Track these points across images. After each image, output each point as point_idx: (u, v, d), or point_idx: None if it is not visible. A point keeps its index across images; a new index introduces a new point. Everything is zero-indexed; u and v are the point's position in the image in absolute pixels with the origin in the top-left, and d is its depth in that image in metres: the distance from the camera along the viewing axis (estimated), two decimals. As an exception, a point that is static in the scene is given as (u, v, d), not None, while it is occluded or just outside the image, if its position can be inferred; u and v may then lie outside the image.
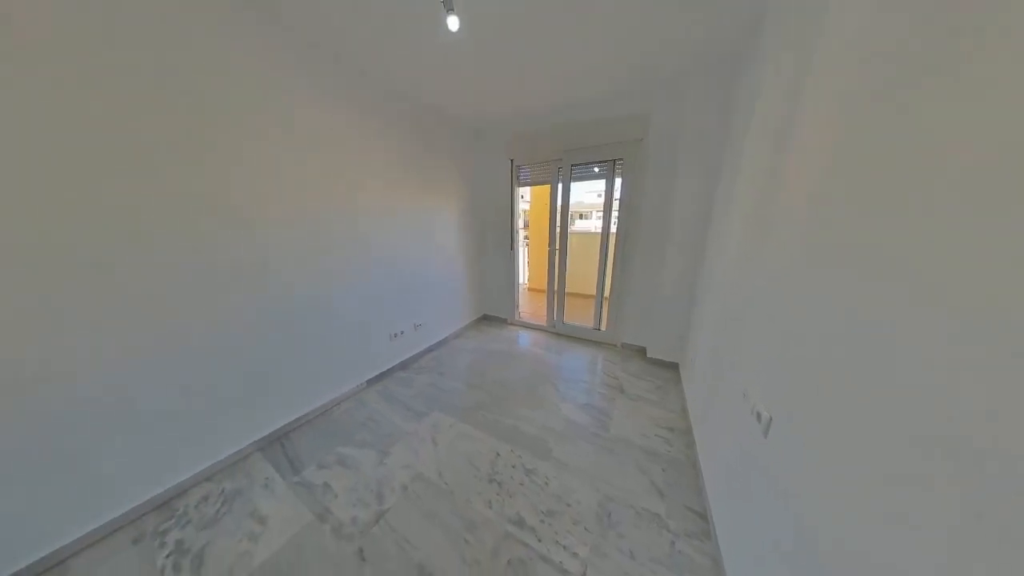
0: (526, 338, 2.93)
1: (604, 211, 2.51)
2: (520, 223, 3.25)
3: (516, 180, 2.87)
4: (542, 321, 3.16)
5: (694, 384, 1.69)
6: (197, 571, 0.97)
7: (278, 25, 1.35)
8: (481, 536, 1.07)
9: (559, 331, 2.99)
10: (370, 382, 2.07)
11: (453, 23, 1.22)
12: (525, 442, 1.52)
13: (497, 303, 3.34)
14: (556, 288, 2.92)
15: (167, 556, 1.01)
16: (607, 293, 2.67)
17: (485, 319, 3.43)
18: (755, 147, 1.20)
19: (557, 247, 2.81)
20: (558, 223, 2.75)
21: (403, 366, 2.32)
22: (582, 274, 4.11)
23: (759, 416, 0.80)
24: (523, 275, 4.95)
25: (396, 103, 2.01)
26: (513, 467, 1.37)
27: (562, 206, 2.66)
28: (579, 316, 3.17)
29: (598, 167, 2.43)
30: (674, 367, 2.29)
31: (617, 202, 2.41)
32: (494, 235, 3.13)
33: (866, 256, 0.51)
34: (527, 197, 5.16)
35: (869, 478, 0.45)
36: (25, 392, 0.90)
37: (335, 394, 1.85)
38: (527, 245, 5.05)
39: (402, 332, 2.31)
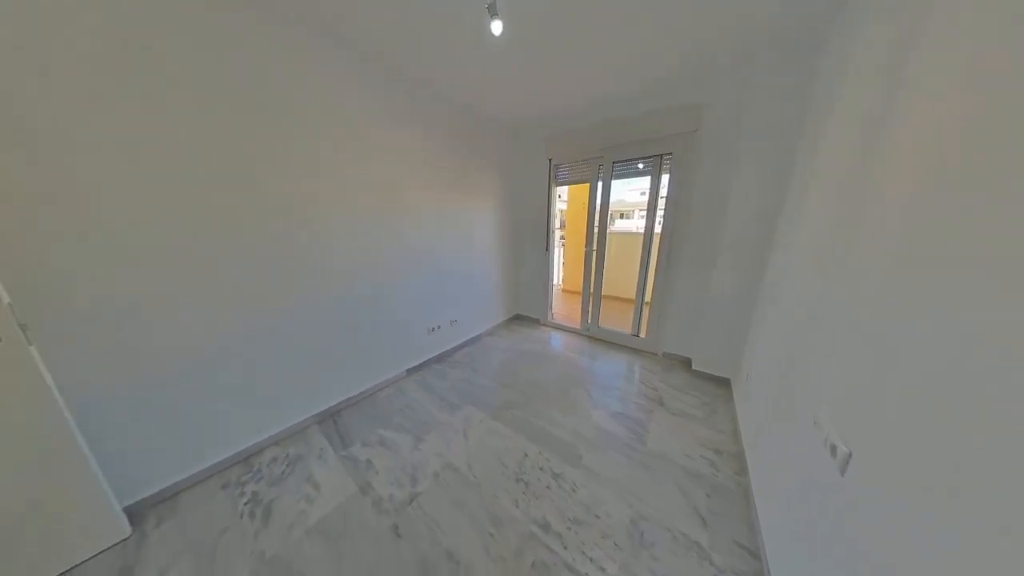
0: (558, 340, 2.88)
1: (648, 210, 2.36)
2: (556, 223, 3.20)
3: (553, 180, 2.84)
4: (575, 324, 3.07)
5: (749, 404, 1.50)
6: (266, 520, 1.13)
7: (340, 45, 1.51)
8: (506, 533, 1.08)
9: (593, 335, 2.89)
10: (409, 371, 2.21)
11: (497, 27, 1.25)
12: (554, 445, 1.50)
13: (530, 303, 3.34)
14: (592, 290, 2.82)
15: (245, 503, 1.20)
16: (648, 298, 2.50)
17: (518, 319, 3.45)
18: (838, 137, 1.02)
19: (594, 247, 2.71)
20: (596, 223, 2.65)
21: (439, 359, 2.44)
22: (621, 276, 3.92)
23: (834, 450, 0.68)
24: (557, 276, 4.88)
25: (441, 110, 2.12)
26: (540, 469, 1.36)
27: (601, 205, 2.56)
28: (616, 321, 3.02)
29: (643, 163, 2.29)
30: (724, 383, 2.06)
31: (663, 200, 2.24)
32: (529, 235, 3.13)
33: (1001, 263, 0.40)
34: (564, 196, 5.07)
35: (982, 552, 0.36)
36: (153, 358, 1.14)
37: (379, 380, 2.01)
38: (562, 245, 4.96)
39: (439, 327, 2.43)
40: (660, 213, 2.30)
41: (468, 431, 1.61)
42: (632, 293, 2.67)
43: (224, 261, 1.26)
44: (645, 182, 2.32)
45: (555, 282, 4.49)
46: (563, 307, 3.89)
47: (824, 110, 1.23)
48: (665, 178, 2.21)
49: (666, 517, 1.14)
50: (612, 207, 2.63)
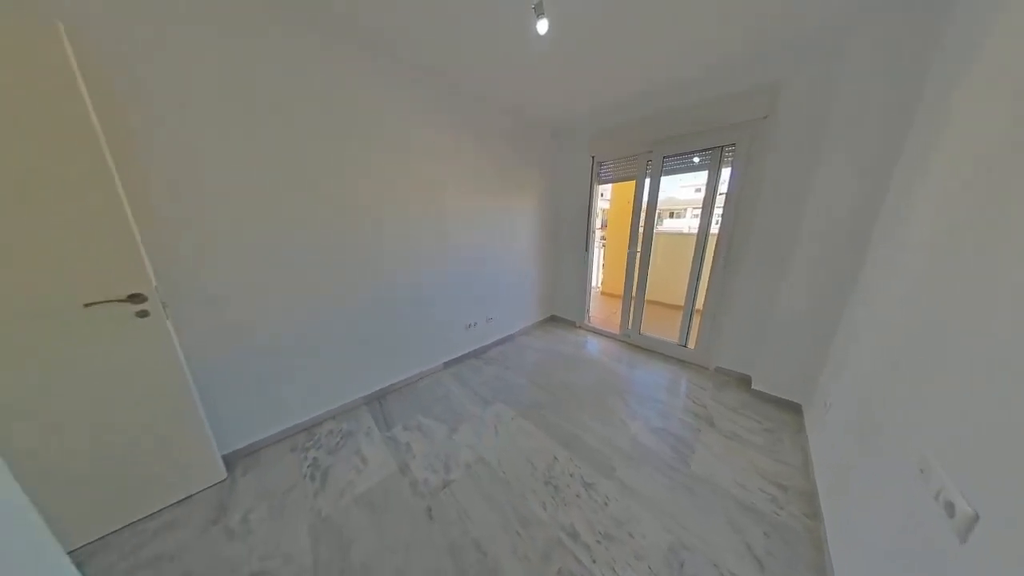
0: (595, 345, 2.77)
1: (703, 208, 2.14)
2: (597, 223, 3.08)
3: (596, 178, 2.73)
4: (614, 329, 2.92)
5: (827, 436, 1.27)
6: (323, 483, 1.29)
7: (391, 59, 1.64)
8: (533, 534, 1.08)
9: (633, 341, 2.71)
10: (446, 364, 2.33)
11: (543, 26, 1.24)
12: (586, 453, 1.44)
13: (566, 305, 3.26)
14: (634, 294, 2.65)
15: (307, 466, 1.38)
16: (699, 305, 2.27)
17: (553, 320, 3.40)
18: (974, 117, 0.80)
19: (639, 249, 2.55)
20: (642, 222, 2.48)
21: (475, 354, 2.52)
22: (667, 281, 3.62)
23: (951, 508, 0.54)
24: (596, 278, 4.69)
25: (482, 112, 2.18)
26: (571, 475, 1.32)
27: (648, 203, 2.39)
28: (660, 328, 2.80)
29: (699, 156, 2.08)
30: (792, 408, 1.77)
31: (722, 197, 2.01)
32: (568, 235, 3.06)
33: None
34: (607, 195, 4.85)
35: None
36: (243, 336, 1.37)
37: (419, 370, 2.15)
38: (603, 246, 4.76)
39: (476, 323, 2.50)
40: (718, 211, 2.06)
41: (499, 427, 1.63)
42: (680, 299, 2.45)
43: (295, 258, 1.47)
44: (701, 178, 2.10)
45: (593, 284, 4.33)
46: (601, 311, 3.73)
47: (948, 85, 0.98)
48: (726, 172, 1.98)
49: (713, 551, 1.02)
50: (660, 206, 2.44)
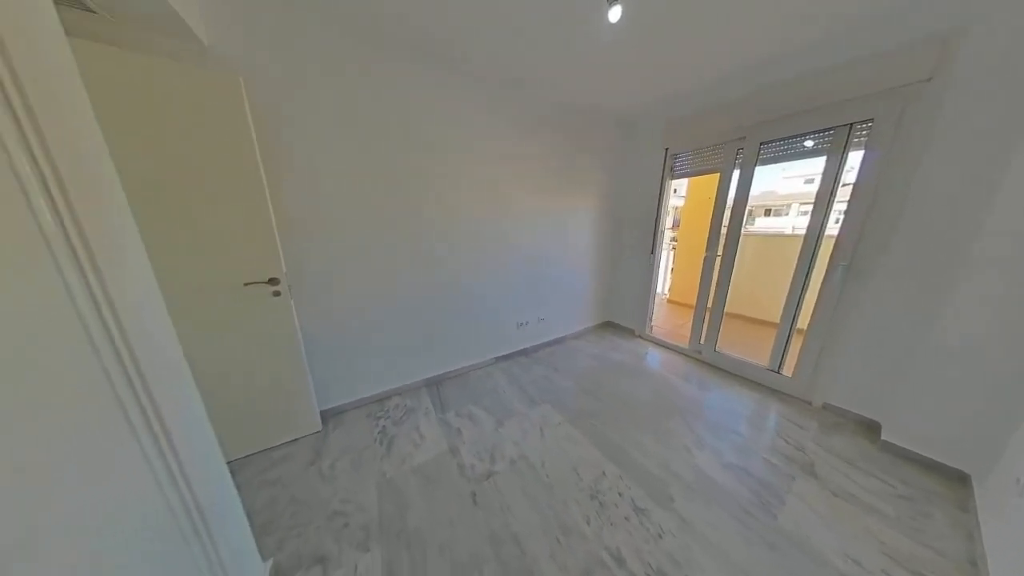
0: (656, 357, 2.50)
1: (817, 203, 1.72)
2: (667, 222, 2.77)
3: (669, 172, 2.45)
4: (682, 342, 2.59)
5: (1014, 526, 0.88)
6: (388, 449, 1.49)
7: (456, 71, 1.76)
8: (574, 545, 1.03)
9: (706, 359, 2.35)
10: (497, 359, 2.41)
11: (615, 14, 1.17)
12: (638, 474, 1.32)
13: (625, 311, 3.03)
14: (711, 304, 2.30)
15: (378, 432, 1.61)
16: (803, 324, 1.84)
17: (609, 326, 3.20)
18: None
19: (719, 252, 2.19)
20: (726, 221, 2.13)
21: (524, 353, 2.55)
22: (757, 291, 3.05)
23: None
24: (663, 284, 4.23)
25: (546, 111, 2.17)
26: (619, 495, 1.22)
27: (736, 199, 2.04)
28: (743, 347, 2.37)
29: (814, 139, 1.67)
30: (952, 476, 1.29)
31: (848, 188, 1.58)
32: (632, 235, 2.83)
33: None
34: (681, 190, 4.31)
35: None
36: (338, 317, 1.67)
37: (471, 362, 2.28)
38: (673, 248, 4.25)
39: (527, 323, 2.53)
40: (840, 207, 1.63)
41: (545, 429, 1.62)
42: (773, 315, 2.02)
43: (380, 254, 1.71)
44: (816, 165, 1.69)
45: (659, 291, 3.92)
46: (667, 320, 3.35)
47: None
48: (854, 157, 1.55)
49: (803, 630, 0.81)
50: (752, 201, 2.05)
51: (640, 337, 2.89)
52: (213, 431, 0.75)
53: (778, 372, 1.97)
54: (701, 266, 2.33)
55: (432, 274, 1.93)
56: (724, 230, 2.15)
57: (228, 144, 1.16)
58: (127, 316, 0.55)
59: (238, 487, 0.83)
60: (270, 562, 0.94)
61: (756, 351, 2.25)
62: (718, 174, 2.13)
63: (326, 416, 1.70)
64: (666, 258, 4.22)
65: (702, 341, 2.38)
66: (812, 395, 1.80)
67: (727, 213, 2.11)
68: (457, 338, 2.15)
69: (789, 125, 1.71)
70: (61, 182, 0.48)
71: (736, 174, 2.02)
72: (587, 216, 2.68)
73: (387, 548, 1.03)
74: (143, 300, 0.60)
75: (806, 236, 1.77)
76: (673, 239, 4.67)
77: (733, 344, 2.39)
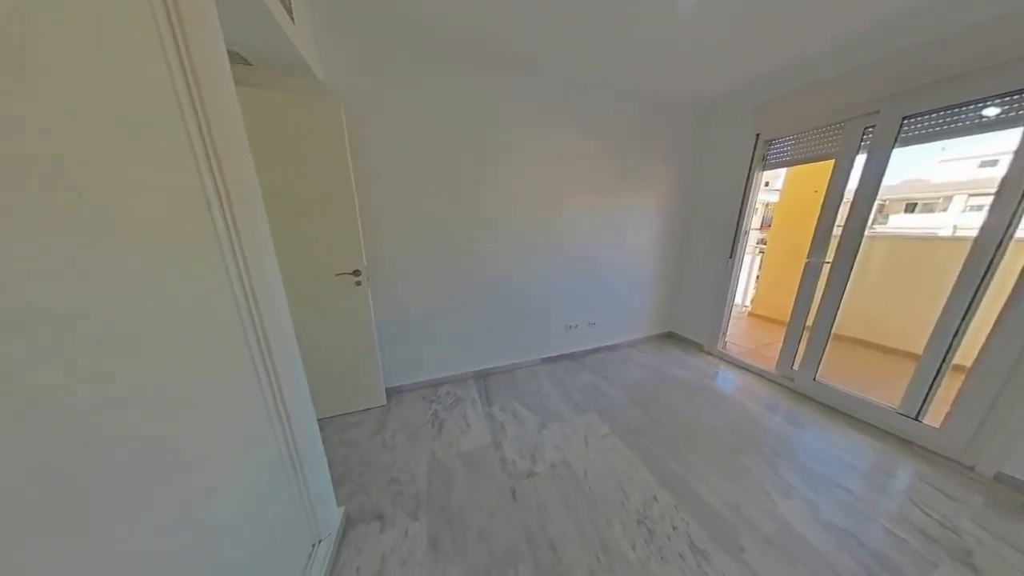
0: (730, 379, 2.14)
1: (1002, 193, 1.23)
2: (754, 221, 2.34)
3: (760, 162, 2.07)
4: (767, 364, 2.16)
5: None
6: (439, 431, 1.61)
7: (525, 73, 1.77)
8: (616, 568, 0.96)
9: (800, 388, 1.92)
10: (543, 360, 2.39)
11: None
12: (699, 509, 1.15)
13: (692, 322, 2.67)
14: (813, 323, 1.87)
15: (431, 415, 1.76)
16: (964, 358, 1.35)
17: (671, 337, 2.87)
18: None
19: (828, 259, 1.77)
20: (841, 219, 1.70)
21: (572, 357, 2.47)
22: (884, 308, 2.37)
23: None
24: (744, 294, 3.60)
25: (602, 101, 2.05)
26: (674, 528, 1.09)
27: (860, 191, 1.61)
28: (858, 379, 1.87)
29: (1000, 105, 1.21)
30: None
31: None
32: (706, 237, 2.48)
33: None
34: (776, 183, 3.60)
35: None
36: (403, 307, 1.87)
37: (518, 360, 2.30)
38: (761, 252, 3.59)
39: (576, 326, 2.44)
40: (1045, 198, 1.14)
41: (589, 438, 1.54)
42: (912, 342, 1.54)
43: (440, 252, 1.86)
44: (1001, 142, 1.21)
45: (738, 301, 3.37)
46: (747, 337, 2.85)
47: None
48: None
49: None
50: (886, 193, 1.59)
51: (709, 353, 2.51)
52: (308, 392, 0.92)
53: (917, 419, 1.49)
54: (801, 274, 1.91)
55: (485, 271, 2.02)
56: (839, 230, 1.71)
57: (329, 158, 1.40)
58: (262, 297, 0.72)
59: (322, 442, 1.00)
60: (343, 509, 1.11)
61: (879, 387, 1.75)
62: (832, 161, 1.71)
63: (390, 393, 1.92)
64: (750, 263, 3.58)
65: (796, 366, 1.95)
66: (975, 458, 1.31)
67: (845, 209, 1.68)
68: (505, 335, 2.20)
69: (954, 90, 1.27)
70: (229, 196, 0.65)
71: (861, 159, 1.59)
72: (649, 215, 2.45)
73: (433, 521, 1.12)
74: (271, 286, 0.77)
75: (978, 239, 1.29)
76: (761, 241, 3.94)
77: (842, 374, 1.90)
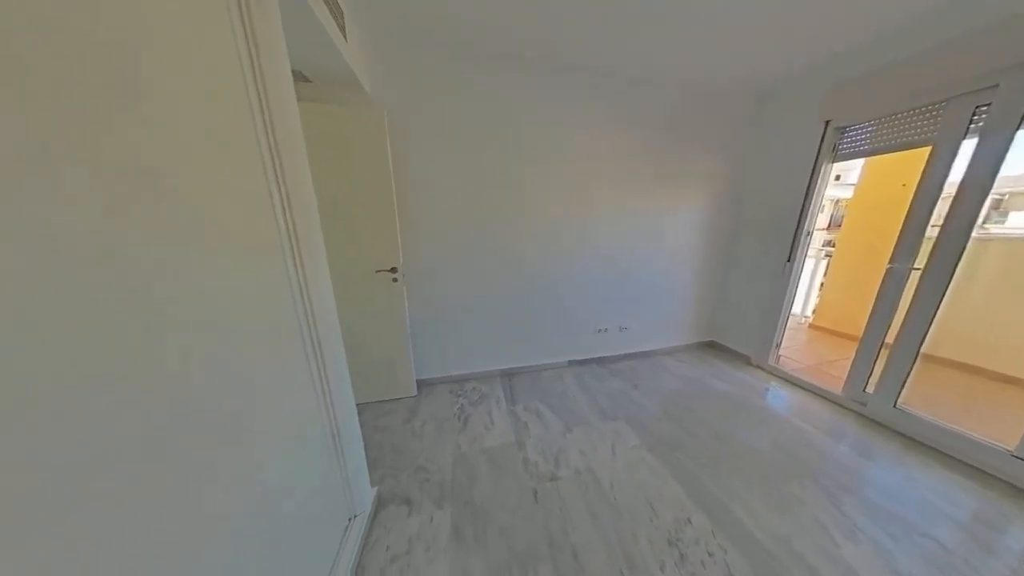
0: (783, 397, 1.91)
1: None
2: (820, 220, 2.05)
3: (830, 153, 1.81)
4: (830, 384, 1.90)
5: None
6: (464, 425, 1.66)
7: (557, 71, 1.74)
8: (642, 590, 0.91)
9: (874, 415, 1.65)
10: (570, 363, 2.34)
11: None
12: (739, 538, 1.05)
13: (739, 332, 2.43)
14: (896, 339, 1.59)
15: (457, 408, 1.81)
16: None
17: (713, 347, 2.64)
18: None
19: (915, 265, 1.49)
20: (936, 218, 1.43)
21: (600, 362, 2.39)
22: (996, 326, 1.96)
23: None
24: (804, 302, 3.19)
25: (647, 98, 1.94)
26: (709, 554, 1.00)
27: (968, 183, 1.34)
28: (956, 410, 1.57)
29: None
30: None
31: None
32: (756, 238, 2.24)
33: None
34: (850, 176, 3.14)
35: None
36: (434, 304, 1.94)
37: (543, 361, 2.28)
38: (828, 255, 3.15)
39: (606, 329, 2.35)
40: None
41: (616, 447, 1.48)
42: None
43: (472, 252, 1.91)
44: None
45: (796, 311, 3.01)
46: (807, 352, 2.53)
47: None
48: None
49: None
50: (1004, 185, 1.31)
51: (758, 367, 2.27)
52: (349, 378, 1.00)
53: (1042, 466, 1.20)
54: (880, 282, 1.64)
55: (514, 271, 2.03)
56: (932, 231, 1.44)
57: (372, 164, 1.51)
58: (313, 291, 0.81)
59: (359, 425, 1.08)
60: (375, 489, 1.19)
61: (986, 422, 1.44)
62: (927, 148, 1.44)
63: (420, 385, 2.02)
64: (813, 268, 3.16)
65: (870, 388, 1.68)
66: None
67: (943, 206, 1.41)
68: (532, 335, 2.20)
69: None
70: (290, 201, 0.74)
71: (969, 145, 1.32)
72: (691, 214, 2.28)
73: (456, 512, 1.16)
74: (321, 281, 0.85)
75: None
76: (828, 243, 3.46)
77: (933, 402, 1.59)
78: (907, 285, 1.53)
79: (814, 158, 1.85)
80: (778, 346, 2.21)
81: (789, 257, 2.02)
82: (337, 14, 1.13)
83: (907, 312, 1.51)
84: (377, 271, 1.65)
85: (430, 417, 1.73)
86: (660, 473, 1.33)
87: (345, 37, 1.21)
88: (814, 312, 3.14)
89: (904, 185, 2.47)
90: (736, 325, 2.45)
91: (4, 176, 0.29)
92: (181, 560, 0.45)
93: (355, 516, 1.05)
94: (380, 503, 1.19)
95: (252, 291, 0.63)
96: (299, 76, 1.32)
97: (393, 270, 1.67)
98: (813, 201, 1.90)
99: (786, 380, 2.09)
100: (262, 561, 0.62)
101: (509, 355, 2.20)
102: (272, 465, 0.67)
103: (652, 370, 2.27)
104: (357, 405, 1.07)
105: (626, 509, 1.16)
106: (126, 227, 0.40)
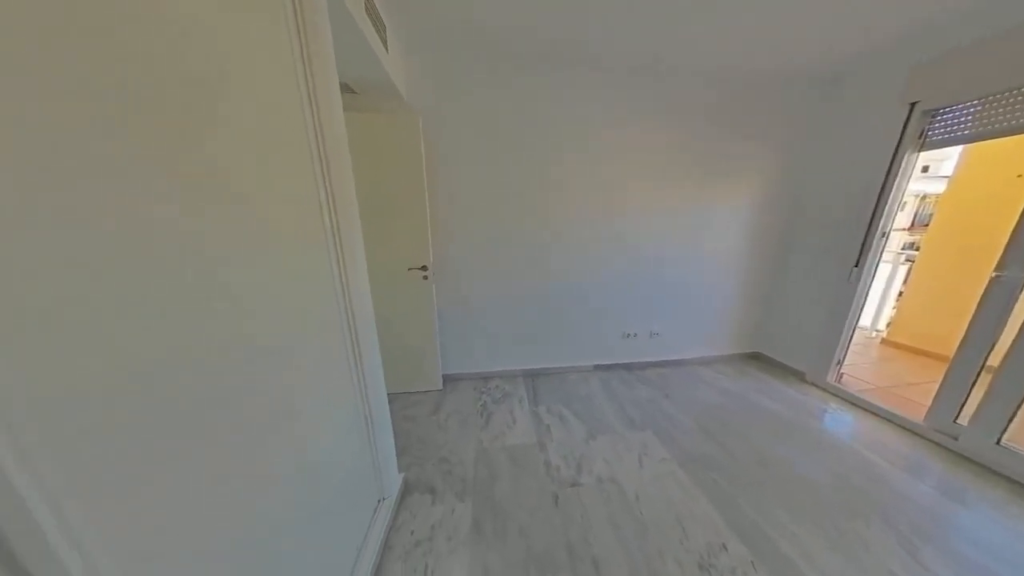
0: (847, 422, 1.68)
1: None
2: (899, 219, 1.77)
3: (915, 140, 1.55)
4: (911, 412, 1.63)
5: None
6: (487, 423, 1.68)
7: (591, 66, 1.68)
8: (668, 614, 0.85)
9: (970, 452, 1.38)
10: (596, 368, 2.26)
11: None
12: (784, 572, 0.94)
13: (790, 344, 2.18)
14: (1002, 363, 1.32)
15: (480, 405, 1.85)
16: None
17: (758, 359, 2.40)
18: None
19: (1038, 273, 1.22)
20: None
21: (628, 368, 2.28)
22: None
23: None
24: (877, 315, 2.77)
25: (688, 89, 1.81)
26: (748, 588, 0.91)
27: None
28: None
29: None
30: None
31: None
32: (816, 239, 1.99)
33: None
34: (942, 168, 2.68)
35: None
36: (462, 301, 1.99)
37: (568, 364, 2.23)
38: (909, 260, 2.71)
39: (635, 334, 2.24)
40: None
41: (644, 460, 1.40)
42: None
43: (499, 250, 1.93)
44: None
45: (865, 323, 2.64)
46: (878, 371, 2.21)
47: None
48: None
49: None
50: None
51: (814, 385, 2.01)
52: (381, 367, 1.06)
53: None
54: (982, 293, 1.37)
55: (540, 271, 2.01)
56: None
57: (407, 168, 1.60)
58: (352, 285, 0.87)
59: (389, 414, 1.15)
60: (402, 476, 1.25)
61: None
62: (1056, 130, 1.17)
63: (445, 379, 2.08)
64: (888, 275, 2.73)
65: (963, 419, 1.41)
66: None
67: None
68: (557, 336, 2.16)
69: None
70: (335, 204, 0.80)
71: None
72: (736, 212, 2.09)
73: (477, 506, 1.18)
74: (360, 277, 0.92)
75: None
76: (910, 246, 2.98)
77: (1059, 444, 1.29)
78: (1020, 298, 1.26)
79: (894, 147, 1.59)
80: (840, 363, 1.94)
81: (857, 262, 1.76)
82: (380, 28, 1.21)
83: (1020, 331, 1.24)
84: (409, 269, 1.74)
85: (454, 411, 1.78)
86: (692, 491, 1.23)
87: (387, 49, 1.29)
88: (889, 325, 2.71)
89: (1021, 176, 2.04)
90: (788, 337, 2.20)
91: (115, 179, 0.35)
92: (242, 514, 0.51)
93: (383, 498, 1.12)
94: (406, 489, 1.25)
95: (301, 283, 0.70)
96: (345, 88, 1.43)
97: (423, 268, 1.75)
98: (891, 197, 1.64)
99: (850, 402, 1.83)
100: (303, 526, 0.68)
101: (533, 355, 2.19)
102: (313, 440, 0.73)
103: (685, 380, 2.12)
104: (387, 395, 1.14)
105: (653, 525, 1.10)
106: (203, 226, 0.46)
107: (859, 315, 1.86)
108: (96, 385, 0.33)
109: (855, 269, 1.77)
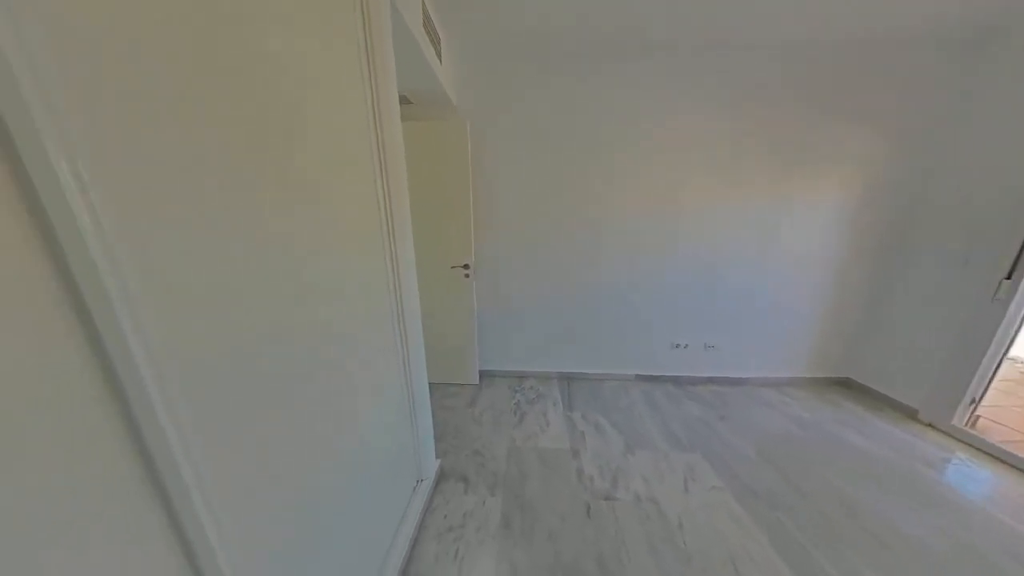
0: (982, 480, 1.31)
1: None
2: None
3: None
4: (1093, 479, 1.19)
5: None
6: (520, 422, 1.69)
7: (644, 54, 1.56)
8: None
9: None
10: (638, 377, 2.12)
11: None
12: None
13: (896, 372, 1.78)
14: None
15: (514, 403, 1.87)
16: None
17: (847, 387, 2.00)
18: None
19: None
20: None
21: (676, 382, 2.09)
22: None
23: None
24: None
25: (767, 64, 1.57)
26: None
27: None
28: None
29: None
30: None
31: None
32: (943, 243, 1.59)
33: None
34: None
35: None
36: (501, 299, 2.03)
37: (607, 371, 2.13)
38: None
39: (687, 346, 2.04)
40: None
41: (690, 484, 1.27)
42: None
43: (541, 251, 1.92)
44: None
45: (1016, 354, 2.04)
46: (1036, 418, 1.67)
47: None
48: None
49: None
50: None
51: (931, 426, 1.60)
52: (424, 357, 1.15)
53: None
54: None
55: (581, 272, 1.95)
56: None
57: (454, 170, 1.68)
58: (403, 278, 0.95)
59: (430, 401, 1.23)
60: (439, 461, 1.34)
61: None
62: None
63: (482, 375, 2.15)
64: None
65: None
66: None
67: None
68: (596, 341, 2.08)
69: None
70: (391, 207, 0.89)
71: None
72: (821, 209, 1.76)
73: (507, 502, 1.19)
74: (409, 270, 1.00)
75: None
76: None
77: None
78: None
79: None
80: (975, 402, 1.51)
81: (1010, 274, 1.35)
82: (435, 41, 1.29)
83: None
84: (452, 267, 1.84)
85: (489, 407, 1.83)
86: (750, 529, 1.08)
87: (440, 60, 1.38)
88: (1061, 360, 2.02)
89: None
90: (895, 363, 1.79)
91: (244, 191, 0.44)
92: (313, 473, 0.60)
93: (421, 480, 1.20)
94: (442, 474, 1.32)
95: (361, 277, 0.78)
96: (403, 99, 1.57)
97: (466, 267, 1.83)
98: (1074, 187, 1.22)
99: (987, 453, 1.41)
100: (354, 495, 0.76)
101: (570, 359, 2.13)
102: (365, 416, 0.82)
103: (746, 401, 1.86)
104: (428, 384, 1.23)
105: (699, 557, 0.99)
106: (292, 228, 0.55)
107: (1009, 343, 1.42)
108: (222, 349, 0.42)
109: (1006, 282, 1.36)
